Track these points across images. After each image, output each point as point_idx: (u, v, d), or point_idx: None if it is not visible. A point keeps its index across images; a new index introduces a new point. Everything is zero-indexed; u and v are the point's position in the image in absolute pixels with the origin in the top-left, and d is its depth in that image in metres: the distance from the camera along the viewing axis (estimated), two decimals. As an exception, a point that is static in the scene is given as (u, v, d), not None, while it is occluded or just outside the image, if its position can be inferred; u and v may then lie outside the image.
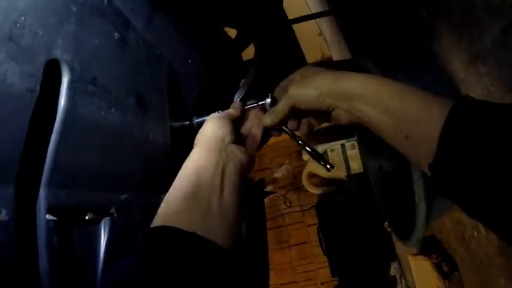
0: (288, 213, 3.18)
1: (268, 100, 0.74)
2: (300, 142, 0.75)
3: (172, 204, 0.57)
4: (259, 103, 0.76)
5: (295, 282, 3.09)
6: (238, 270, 0.51)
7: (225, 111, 0.74)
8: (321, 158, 0.73)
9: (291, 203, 3.19)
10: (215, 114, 0.72)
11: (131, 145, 0.68)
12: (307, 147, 0.74)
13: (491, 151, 0.43)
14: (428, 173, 0.51)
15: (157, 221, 0.55)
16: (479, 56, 0.87)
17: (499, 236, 0.48)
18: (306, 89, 0.64)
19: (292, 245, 3.17)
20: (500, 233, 0.46)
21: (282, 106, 0.69)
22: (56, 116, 0.52)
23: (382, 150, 1.52)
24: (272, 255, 3.08)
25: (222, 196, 0.58)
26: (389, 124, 0.56)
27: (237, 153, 0.66)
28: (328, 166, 0.71)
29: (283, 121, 0.72)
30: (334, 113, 0.65)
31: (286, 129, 0.74)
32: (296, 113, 0.70)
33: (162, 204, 0.58)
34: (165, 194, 0.61)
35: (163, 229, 0.51)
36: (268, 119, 0.72)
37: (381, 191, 1.48)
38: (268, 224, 3.08)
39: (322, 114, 0.67)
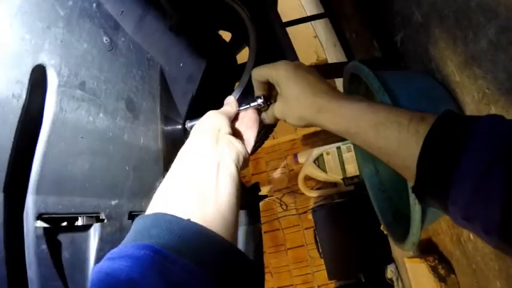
0: (284, 216, 3.18)
1: (260, 101, 0.74)
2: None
3: (166, 191, 0.56)
4: (252, 104, 0.75)
5: (292, 285, 3.08)
6: (233, 257, 0.49)
7: (221, 108, 0.74)
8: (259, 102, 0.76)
9: (287, 206, 3.19)
10: (212, 111, 0.71)
11: (121, 150, 0.67)
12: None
13: (467, 184, 0.44)
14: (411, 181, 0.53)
15: (151, 207, 0.53)
16: (475, 58, 0.87)
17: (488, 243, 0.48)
18: (291, 118, 0.69)
19: (289, 249, 3.16)
20: (491, 245, 0.47)
21: (274, 116, 0.74)
22: (43, 122, 0.52)
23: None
24: (268, 258, 3.08)
25: (217, 183, 0.57)
26: (371, 151, 0.59)
27: (234, 142, 0.64)
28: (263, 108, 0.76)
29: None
30: None
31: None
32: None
33: (157, 191, 0.56)
34: (159, 182, 0.59)
35: (158, 216, 0.49)
36: (266, 119, 0.77)
37: (377, 194, 1.48)
38: (264, 228, 3.08)
39: None
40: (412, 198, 0.88)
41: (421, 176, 0.49)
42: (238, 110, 0.76)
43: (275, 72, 0.70)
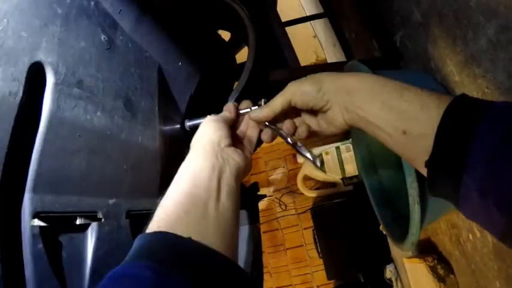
0: (283, 216, 3.17)
1: (263, 102, 0.73)
2: (292, 142, 0.73)
3: (168, 209, 0.55)
4: (253, 109, 0.74)
5: (291, 285, 3.08)
6: (233, 275, 0.50)
7: (220, 114, 0.72)
8: (316, 161, 0.72)
9: (286, 206, 3.18)
10: (210, 118, 0.70)
11: (119, 149, 0.67)
12: (302, 152, 0.73)
13: (487, 150, 0.43)
14: (424, 171, 0.51)
15: (153, 226, 0.53)
16: (474, 58, 0.87)
17: (496, 237, 0.48)
18: (305, 84, 0.64)
19: (288, 249, 3.16)
20: (497, 233, 0.46)
21: (278, 101, 0.67)
22: (40, 120, 0.51)
23: (377, 154, 1.51)
24: (267, 258, 3.07)
25: (218, 200, 0.57)
26: (387, 120, 0.56)
27: (234, 157, 0.64)
28: (323, 168, 0.71)
29: (278, 118, 0.70)
30: (330, 113, 0.64)
31: (281, 131, 0.72)
32: (291, 112, 0.69)
33: (158, 208, 0.56)
34: (159, 198, 0.59)
35: (159, 235, 0.50)
36: (263, 113, 0.69)
37: (376, 194, 1.48)
38: (264, 228, 3.07)
39: (317, 116, 0.67)
40: (412, 198, 0.87)
41: (440, 142, 0.48)
42: (240, 114, 0.75)
43: (287, 92, 0.66)
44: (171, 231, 0.50)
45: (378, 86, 0.57)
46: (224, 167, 0.62)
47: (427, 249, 1.83)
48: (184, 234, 0.49)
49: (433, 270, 1.74)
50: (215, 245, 0.51)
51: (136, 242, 0.50)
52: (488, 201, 0.43)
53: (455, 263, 1.58)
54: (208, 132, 0.66)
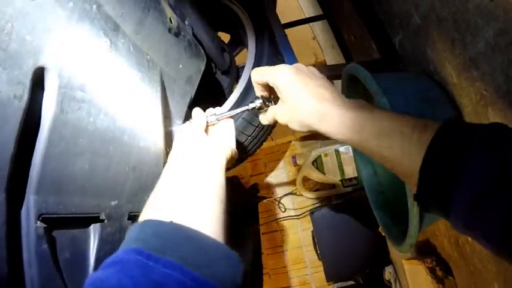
0: (282, 217, 3.17)
1: (258, 102, 0.75)
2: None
3: (154, 200, 0.62)
4: (250, 106, 0.76)
5: (290, 286, 3.07)
6: (216, 252, 0.52)
7: (192, 123, 0.78)
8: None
9: (285, 207, 3.18)
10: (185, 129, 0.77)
11: (121, 151, 0.68)
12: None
13: (467, 198, 0.44)
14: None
15: (142, 216, 0.58)
16: (472, 61, 0.87)
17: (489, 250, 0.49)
18: (293, 124, 0.68)
19: (287, 250, 3.15)
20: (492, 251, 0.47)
21: (274, 118, 0.73)
22: (44, 123, 0.52)
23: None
24: (266, 259, 3.07)
25: (200, 186, 0.63)
26: (374, 159, 0.60)
27: (213, 154, 0.72)
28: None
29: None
30: None
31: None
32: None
33: (148, 201, 0.62)
34: None
35: (144, 223, 0.54)
36: (266, 121, 0.76)
37: (375, 196, 1.48)
38: (263, 229, 3.07)
39: None
40: (411, 201, 0.88)
41: (423, 185, 0.49)
42: (239, 112, 0.80)
43: (275, 76, 0.69)
44: (154, 218, 0.54)
45: (357, 133, 0.59)
46: (205, 158, 0.69)
47: (426, 251, 1.83)
48: (167, 219, 0.53)
49: (432, 271, 1.74)
50: (199, 225, 0.54)
51: (127, 233, 0.54)
52: (477, 235, 0.45)
53: (454, 264, 1.58)
54: (189, 132, 0.75)
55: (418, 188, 0.50)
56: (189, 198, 0.60)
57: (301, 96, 0.65)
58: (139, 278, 0.44)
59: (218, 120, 0.80)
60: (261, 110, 0.77)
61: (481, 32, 0.81)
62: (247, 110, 0.78)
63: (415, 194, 0.52)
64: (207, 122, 0.79)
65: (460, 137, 0.47)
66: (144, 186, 0.75)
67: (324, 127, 0.63)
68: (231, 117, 0.82)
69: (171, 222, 0.53)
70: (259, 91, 0.77)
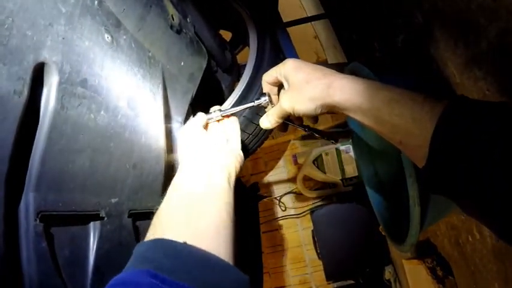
0: (282, 216, 3.17)
1: (265, 98, 0.75)
2: (307, 130, 0.81)
3: (163, 216, 0.59)
4: (256, 102, 0.76)
5: (290, 285, 3.07)
6: (230, 277, 0.51)
7: (193, 122, 0.78)
8: (332, 138, 0.76)
9: (285, 206, 3.18)
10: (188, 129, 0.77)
11: (122, 148, 0.67)
12: (315, 133, 0.81)
13: (479, 155, 0.43)
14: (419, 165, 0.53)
15: (150, 233, 0.57)
16: (475, 60, 0.87)
17: (495, 234, 0.48)
18: (301, 103, 0.66)
19: (287, 249, 3.15)
20: (496, 230, 0.47)
21: (277, 115, 0.72)
22: (44, 119, 0.52)
23: (376, 155, 1.51)
24: (266, 258, 3.07)
25: (210, 205, 0.61)
26: (382, 132, 0.58)
27: (222, 159, 0.71)
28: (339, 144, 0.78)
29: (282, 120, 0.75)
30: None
31: (290, 123, 0.78)
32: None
33: (154, 217, 0.60)
34: (158, 201, 0.62)
35: (156, 242, 0.53)
36: (267, 123, 0.75)
37: (375, 195, 1.48)
38: (263, 228, 3.07)
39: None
40: (412, 201, 0.87)
41: (433, 155, 0.48)
42: (244, 108, 0.81)
43: (283, 67, 0.70)
44: (167, 237, 0.52)
45: (368, 101, 0.57)
46: (213, 171, 0.67)
47: (426, 251, 1.83)
48: (180, 239, 0.51)
49: (432, 271, 1.74)
50: (209, 246, 0.53)
51: (136, 250, 0.53)
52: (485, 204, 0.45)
53: (454, 264, 1.58)
54: (189, 142, 0.74)
55: (429, 157, 0.49)
56: (200, 217, 0.58)
57: (309, 73, 0.65)
58: None
59: (223, 117, 0.79)
60: (265, 109, 0.78)
61: (484, 32, 0.81)
62: (253, 106, 0.78)
63: (424, 166, 0.50)
64: (212, 118, 0.79)
65: (474, 109, 0.47)
66: (145, 184, 0.75)
67: (334, 95, 0.61)
68: (235, 114, 0.82)
69: (185, 243, 0.51)
70: (267, 90, 0.77)
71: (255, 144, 1.62)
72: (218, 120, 0.80)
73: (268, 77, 0.74)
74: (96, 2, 0.60)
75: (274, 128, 0.77)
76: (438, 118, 0.48)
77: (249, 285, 0.52)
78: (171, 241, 0.52)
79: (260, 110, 1.36)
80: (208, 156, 0.71)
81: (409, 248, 1.04)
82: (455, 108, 0.48)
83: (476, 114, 0.46)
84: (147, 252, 0.51)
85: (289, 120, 0.77)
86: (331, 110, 0.64)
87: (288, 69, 0.68)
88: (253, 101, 0.77)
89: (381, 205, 1.42)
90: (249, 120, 1.43)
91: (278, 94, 0.77)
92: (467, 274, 1.42)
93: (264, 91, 0.77)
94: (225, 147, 0.77)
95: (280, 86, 0.75)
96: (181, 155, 0.73)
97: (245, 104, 0.79)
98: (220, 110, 0.80)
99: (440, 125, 0.47)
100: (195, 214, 0.58)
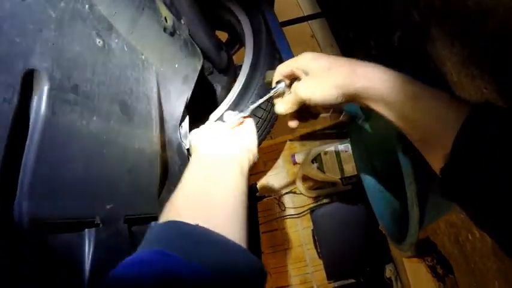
0: (282, 216, 3.17)
1: (280, 86, 0.74)
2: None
3: (177, 200, 0.60)
4: (273, 90, 0.75)
5: (291, 285, 3.07)
6: (243, 260, 0.52)
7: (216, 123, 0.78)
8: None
9: (285, 206, 3.18)
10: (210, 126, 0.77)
11: (115, 154, 0.66)
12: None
13: (505, 165, 0.42)
14: (438, 175, 0.51)
15: (164, 215, 0.57)
16: (472, 58, 0.86)
17: (500, 247, 0.47)
18: (321, 91, 0.63)
19: (287, 249, 3.15)
20: (503, 245, 0.46)
21: (293, 102, 0.70)
22: (35, 126, 0.51)
23: (375, 154, 1.50)
24: (267, 259, 3.06)
25: (223, 190, 0.62)
26: (403, 127, 0.56)
27: (234, 153, 0.71)
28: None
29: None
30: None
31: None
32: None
33: (167, 203, 0.60)
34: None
35: (168, 223, 0.54)
36: (282, 109, 0.73)
37: (374, 194, 1.47)
38: (263, 228, 3.06)
39: None
40: (410, 201, 0.87)
41: (456, 154, 0.47)
42: (261, 101, 0.79)
43: (300, 57, 0.67)
44: (179, 219, 0.53)
45: (393, 94, 0.55)
46: (227, 161, 0.68)
47: (426, 249, 1.83)
48: (192, 222, 0.52)
49: (432, 269, 1.74)
50: (221, 228, 0.53)
51: (149, 231, 0.54)
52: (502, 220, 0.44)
53: (454, 262, 1.58)
54: (204, 137, 0.74)
55: (451, 155, 0.47)
56: (214, 202, 0.59)
57: (331, 61, 0.63)
58: (163, 280, 0.43)
59: (243, 118, 0.79)
60: (281, 95, 0.76)
61: (481, 29, 0.80)
62: (271, 97, 0.76)
63: (444, 166, 0.48)
64: (234, 122, 0.79)
65: (503, 115, 0.45)
66: (140, 189, 0.74)
67: (357, 82, 0.58)
68: (250, 116, 0.82)
69: (197, 225, 0.52)
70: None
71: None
72: (240, 123, 0.79)
73: (284, 68, 0.72)
74: (87, 6, 0.59)
75: (292, 117, 0.76)
76: (465, 119, 0.46)
77: (263, 267, 0.53)
78: (184, 223, 0.52)
79: (272, 102, 1.37)
80: (222, 147, 0.71)
81: (409, 247, 1.03)
82: (483, 111, 0.46)
83: (505, 120, 0.45)
84: (160, 234, 0.52)
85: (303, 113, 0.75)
86: (351, 99, 0.61)
87: (306, 59, 0.66)
88: (270, 91, 0.75)
89: (379, 204, 1.41)
90: (253, 114, 1.42)
91: (290, 86, 0.75)
92: (467, 272, 1.42)
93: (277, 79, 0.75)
94: (239, 142, 0.76)
95: (292, 80, 0.73)
96: (195, 146, 0.73)
97: (263, 97, 0.78)
98: (240, 112, 0.79)
99: (467, 126, 0.46)
100: (208, 199, 0.59)
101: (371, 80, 0.57)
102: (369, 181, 1.50)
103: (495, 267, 1.16)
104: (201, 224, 0.52)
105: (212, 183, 0.62)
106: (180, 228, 0.52)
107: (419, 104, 0.52)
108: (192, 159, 0.71)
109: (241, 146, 0.74)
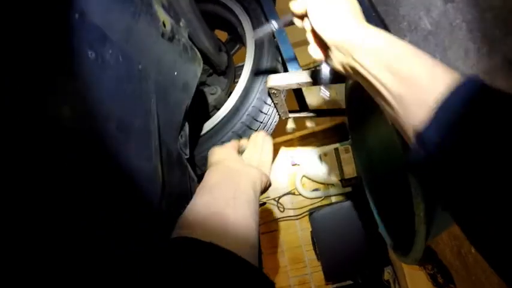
0: (281, 218, 3.15)
1: (288, 19, 0.81)
2: None
3: (189, 217, 0.60)
4: (285, 19, 0.81)
5: (289, 286, 3.06)
6: (252, 277, 0.52)
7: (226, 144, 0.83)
8: None
9: (284, 207, 3.16)
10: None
11: (111, 174, 0.62)
12: None
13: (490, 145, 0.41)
14: (411, 139, 0.50)
15: (176, 231, 0.57)
16: (488, 73, 0.82)
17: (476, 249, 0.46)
18: (329, 17, 0.69)
19: (286, 250, 3.14)
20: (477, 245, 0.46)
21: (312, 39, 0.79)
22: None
23: (377, 157, 1.47)
24: (265, 260, 3.05)
25: (235, 208, 0.61)
26: (386, 81, 0.54)
27: (247, 169, 0.72)
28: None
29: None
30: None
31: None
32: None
33: (180, 218, 0.60)
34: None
35: (181, 240, 0.54)
36: (313, 51, 0.80)
37: (376, 199, 1.45)
38: (262, 229, 3.05)
39: None
40: (418, 219, 0.84)
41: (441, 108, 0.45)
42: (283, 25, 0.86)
43: None
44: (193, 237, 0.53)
45: (388, 41, 0.57)
46: (239, 179, 0.68)
47: (427, 257, 1.81)
48: (206, 239, 0.52)
49: (432, 278, 1.72)
50: (235, 249, 0.53)
51: (158, 247, 0.56)
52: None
53: (455, 273, 1.56)
54: (219, 152, 0.79)
55: (435, 117, 0.45)
56: (224, 217, 0.59)
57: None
58: None
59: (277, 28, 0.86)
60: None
61: (498, 45, 0.75)
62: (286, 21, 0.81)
63: (420, 129, 0.47)
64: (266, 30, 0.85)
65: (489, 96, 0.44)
66: (141, 208, 0.70)
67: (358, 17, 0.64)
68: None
69: (211, 242, 0.52)
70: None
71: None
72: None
73: (296, 5, 0.76)
74: (76, 15, 0.54)
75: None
76: (457, 82, 0.46)
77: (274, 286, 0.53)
78: (197, 240, 0.53)
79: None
80: (237, 166, 0.73)
81: (413, 262, 1.03)
82: (476, 82, 0.46)
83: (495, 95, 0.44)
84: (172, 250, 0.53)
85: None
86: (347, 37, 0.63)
87: None
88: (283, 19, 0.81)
89: (380, 210, 1.40)
90: (253, 118, 1.38)
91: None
92: (468, 284, 1.40)
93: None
94: (255, 163, 0.80)
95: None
96: (211, 162, 0.76)
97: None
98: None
99: (457, 88, 0.46)
100: (222, 217, 0.59)
101: (364, 34, 0.61)
102: (369, 185, 1.48)
103: (497, 281, 1.15)
104: (214, 241, 0.52)
105: (227, 202, 0.62)
106: (194, 245, 0.52)
107: (413, 58, 0.52)
108: (207, 173, 0.72)
109: (257, 169, 0.75)
